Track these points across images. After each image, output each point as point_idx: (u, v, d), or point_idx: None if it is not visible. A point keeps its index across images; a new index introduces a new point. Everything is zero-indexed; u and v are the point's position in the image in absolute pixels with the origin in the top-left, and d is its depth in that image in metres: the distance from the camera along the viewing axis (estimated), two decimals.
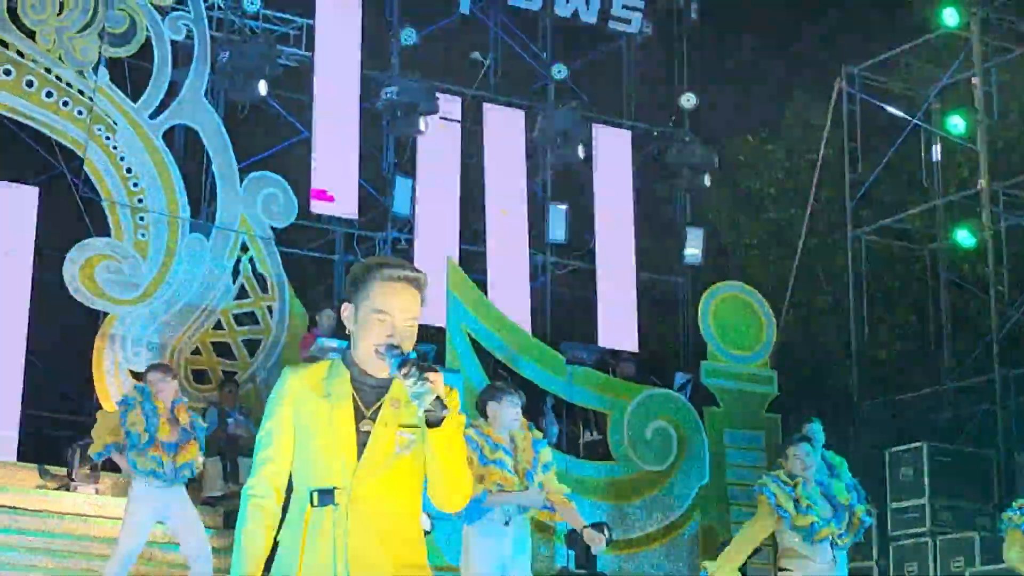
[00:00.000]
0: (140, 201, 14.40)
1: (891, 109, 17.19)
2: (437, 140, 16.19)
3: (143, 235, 14.38)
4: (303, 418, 3.65)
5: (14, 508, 11.46)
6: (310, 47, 15.79)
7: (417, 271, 3.69)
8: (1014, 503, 8.32)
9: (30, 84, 14.04)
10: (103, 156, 14.30)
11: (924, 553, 13.62)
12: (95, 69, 14.31)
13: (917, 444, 14.19)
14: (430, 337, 13.48)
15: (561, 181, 17.52)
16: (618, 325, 16.96)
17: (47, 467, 12.55)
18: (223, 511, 12.31)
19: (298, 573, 3.56)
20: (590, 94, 17.85)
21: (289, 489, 3.72)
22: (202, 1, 15.12)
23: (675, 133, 17.90)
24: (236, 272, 14.83)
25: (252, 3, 15.42)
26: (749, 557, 8.65)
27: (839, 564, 8.20)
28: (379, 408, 3.64)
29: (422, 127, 15.77)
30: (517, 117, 17.18)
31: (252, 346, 14.86)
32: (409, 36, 16.26)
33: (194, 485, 10.77)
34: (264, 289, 14.96)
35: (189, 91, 14.89)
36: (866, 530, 8.44)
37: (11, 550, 10.81)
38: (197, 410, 13.80)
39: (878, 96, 17.22)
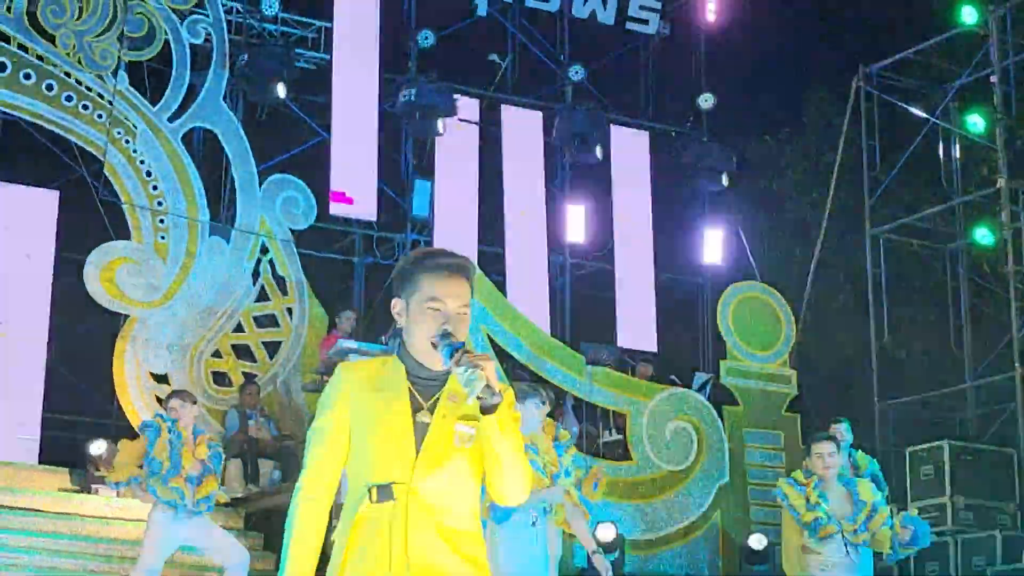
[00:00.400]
0: (160, 204, 14.45)
1: (910, 108, 17.14)
2: (455, 142, 16.23)
3: (163, 238, 14.43)
4: (359, 413, 3.59)
5: (36, 511, 11.50)
6: (328, 50, 15.84)
7: (464, 258, 3.66)
8: None
9: (50, 88, 14.10)
10: (123, 159, 14.36)
11: (945, 552, 13.58)
12: (114, 73, 14.37)
13: (938, 443, 14.16)
14: None
15: (579, 182, 17.53)
16: (637, 325, 17.00)
17: (77, 470, 12.55)
18: (244, 512, 12.34)
19: (354, 571, 3.50)
20: (608, 95, 17.86)
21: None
22: (221, 5, 15.18)
23: (693, 134, 17.91)
24: (256, 274, 14.88)
25: (270, 6, 15.48)
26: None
27: (859, 563, 8.17)
28: (436, 401, 3.59)
29: (440, 129, 15.80)
30: (535, 118, 17.20)
31: (272, 348, 14.89)
32: (427, 38, 16.28)
33: None
34: (284, 291, 15.00)
35: (208, 94, 14.95)
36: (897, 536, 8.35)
37: (32, 552, 10.85)
38: (217, 414, 14.00)
39: (896, 95, 17.18)
